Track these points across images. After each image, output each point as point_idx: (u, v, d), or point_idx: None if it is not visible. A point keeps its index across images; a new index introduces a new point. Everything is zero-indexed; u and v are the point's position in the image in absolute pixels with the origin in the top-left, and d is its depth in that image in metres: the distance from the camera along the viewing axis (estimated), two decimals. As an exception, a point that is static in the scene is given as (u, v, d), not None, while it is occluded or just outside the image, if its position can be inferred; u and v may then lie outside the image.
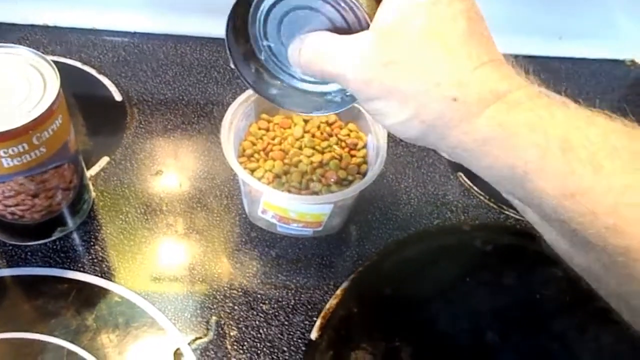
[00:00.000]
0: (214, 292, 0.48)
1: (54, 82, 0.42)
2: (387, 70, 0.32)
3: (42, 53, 0.63)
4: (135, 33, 0.68)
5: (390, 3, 0.32)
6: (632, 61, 0.75)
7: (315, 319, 0.48)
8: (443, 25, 0.31)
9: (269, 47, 0.40)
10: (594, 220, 0.29)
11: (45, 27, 0.68)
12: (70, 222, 0.50)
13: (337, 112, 0.42)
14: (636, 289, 0.29)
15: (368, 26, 0.33)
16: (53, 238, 0.50)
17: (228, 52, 0.39)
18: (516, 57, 0.34)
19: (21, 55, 0.44)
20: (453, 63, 0.31)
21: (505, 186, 0.33)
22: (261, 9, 0.37)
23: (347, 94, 0.40)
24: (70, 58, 0.65)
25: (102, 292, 0.47)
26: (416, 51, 0.31)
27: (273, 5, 0.37)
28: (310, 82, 0.41)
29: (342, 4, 0.34)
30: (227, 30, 0.38)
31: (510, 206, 0.57)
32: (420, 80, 0.31)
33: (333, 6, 0.34)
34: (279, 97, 0.42)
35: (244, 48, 0.40)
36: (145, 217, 0.52)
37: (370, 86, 0.32)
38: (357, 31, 0.34)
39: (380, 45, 0.32)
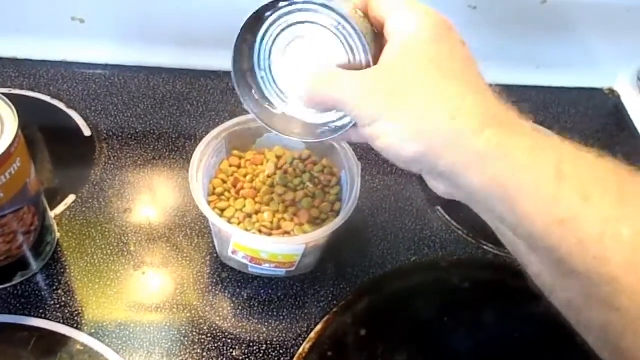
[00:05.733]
0: (182, 338, 0.46)
1: (11, 124, 0.40)
2: (387, 96, 0.33)
3: (10, 87, 0.63)
4: (106, 65, 0.67)
5: (395, 44, 0.34)
6: (610, 89, 0.74)
7: (287, 364, 0.46)
8: (443, 59, 0.33)
9: (270, 66, 0.41)
10: (582, 248, 0.29)
11: (14, 60, 0.66)
12: (32, 266, 0.48)
13: (322, 141, 0.42)
14: (618, 320, 0.30)
15: (369, 66, 0.35)
16: (13, 283, 0.48)
17: (232, 62, 0.40)
18: (491, 86, 0.35)
19: (-23, 96, 0.42)
20: (453, 86, 0.33)
21: (496, 208, 0.32)
22: (270, 32, 0.39)
23: (337, 124, 0.40)
24: (38, 92, 0.63)
25: (64, 340, 0.45)
26: (417, 79, 0.33)
27: (283, 30, 0.38)
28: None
29: (352, 42, 0.36)
30: (236, 40, 0.38)
31: (489, 241, 0.57)
32: (420, 102, 0.33)
33: (342, 43, 0.36)
34: (267, 118, 0.42)
35: (248, 63, 0.41)
36: (112, 259, 0.50)
37: (371, 108, 0.34)
38: (358, 68, 0.36)
39: (384, 78, 0.34)
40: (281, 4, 0.37)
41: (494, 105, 0.33)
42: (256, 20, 0.38)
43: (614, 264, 0.29)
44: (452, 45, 0.34)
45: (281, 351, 0.47)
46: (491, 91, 0.34)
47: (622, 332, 0.30)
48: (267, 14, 0.38)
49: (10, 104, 0.41)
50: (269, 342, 0.47)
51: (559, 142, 0.32)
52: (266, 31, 0.39)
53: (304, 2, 0.36)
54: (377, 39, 0.36)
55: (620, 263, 0.29)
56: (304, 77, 0.37)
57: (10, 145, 0.40)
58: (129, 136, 0.60)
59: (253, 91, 0.42)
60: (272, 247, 0.46)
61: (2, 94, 0.42)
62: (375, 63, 0.35)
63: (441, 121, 0.32)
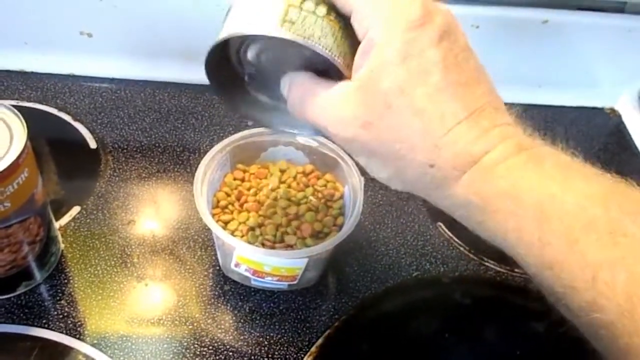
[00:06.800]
0: (184, 350, 0.46)
1: (20, 135, 0.41)
2: (364, 132, 0.32)
3: (18, 99, 0.64)
4: (113, 79, 0.68)
5: (366, 58, 0.31)
6: (612, 109, 0.75)
7: (288, 378, 0.46)
8: (413, 84, 0.30)
9: (251, 70, 0.39)
10: (574, 293, 0.29)
11: (22, 73, 0.67)
12: (37, 276, 0.48)
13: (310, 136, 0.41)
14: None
15: (344, 76, 0.33)
16: (17, 293, 0.48)
17: (205, 66, 0.38)
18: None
19: (-13, 107, 0.43)
20: (425, 126, 0.31)
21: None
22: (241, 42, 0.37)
23: None
24: (46, 104, 0.64)
25: (67, 351, 0.45)
26: (388, 114, 0.31)
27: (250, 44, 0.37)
28: None
29: (321, 56, 0.33)
30: (211, 47, 0.37)
31: (491, 257, 0.57)
32: (395, 144, 0.31)
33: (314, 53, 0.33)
34: (256, 114, 0.42)
35: (225, 67, 0.39)
36: (115, 270, 0.51)
37: (352, 145, 0.33)
38: (334, 72, 0.33)
39: (356, 104, 0.32)
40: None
41: (475, 136, 0.31)
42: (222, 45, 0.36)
43: (608, 310, 0.28)
44: (423, 56, 0.30)
45: (282, 365, 0.47)
46: (477, 102, 0.31)
47: None
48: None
49: (19, 115, 0.42)
50: (270, 356, 0.47)
51: (540, 176, 0.30)
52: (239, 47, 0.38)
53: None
54: (349, 34, 0.33)
55: (614, 308, 0.28)
56: (287, 87, 0.36)
57: (19, 156, 0.40)
58: (134, 149, 0.61)
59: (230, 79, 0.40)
60: (275, 260, 0.46)
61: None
62: (349, 62, 0.32)
63: (419, 170, 0.31)
